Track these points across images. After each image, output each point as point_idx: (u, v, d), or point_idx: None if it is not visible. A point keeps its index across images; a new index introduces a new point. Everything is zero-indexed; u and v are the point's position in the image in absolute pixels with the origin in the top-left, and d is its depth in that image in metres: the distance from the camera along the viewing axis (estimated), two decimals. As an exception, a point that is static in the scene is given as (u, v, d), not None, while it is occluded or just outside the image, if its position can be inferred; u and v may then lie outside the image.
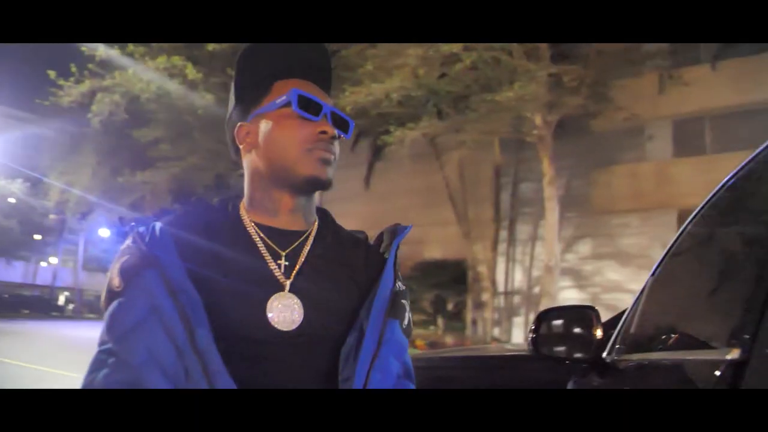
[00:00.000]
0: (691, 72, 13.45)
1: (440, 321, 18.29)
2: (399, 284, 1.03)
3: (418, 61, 10.90)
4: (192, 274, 0.89)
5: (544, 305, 13.00)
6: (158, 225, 0.94)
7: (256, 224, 1.00)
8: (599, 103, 12.81)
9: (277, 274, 0.96)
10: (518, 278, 17.77)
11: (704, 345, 1.43)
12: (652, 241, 15.45)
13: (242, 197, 1.06)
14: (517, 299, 17.68)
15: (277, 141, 0.98)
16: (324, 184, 0.99)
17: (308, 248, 1.01)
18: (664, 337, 1.81)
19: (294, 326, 0.93)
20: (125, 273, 0.89)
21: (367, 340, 0.94)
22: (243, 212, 1.02)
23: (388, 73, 11.27)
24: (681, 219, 15.26)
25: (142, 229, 0.93)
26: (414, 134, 12.99)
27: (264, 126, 0.99)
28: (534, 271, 17.45)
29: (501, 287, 17.64)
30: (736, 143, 14.31)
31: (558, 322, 2.15)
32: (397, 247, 1.06)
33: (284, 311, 0.93)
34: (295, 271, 0.97)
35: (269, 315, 0.93)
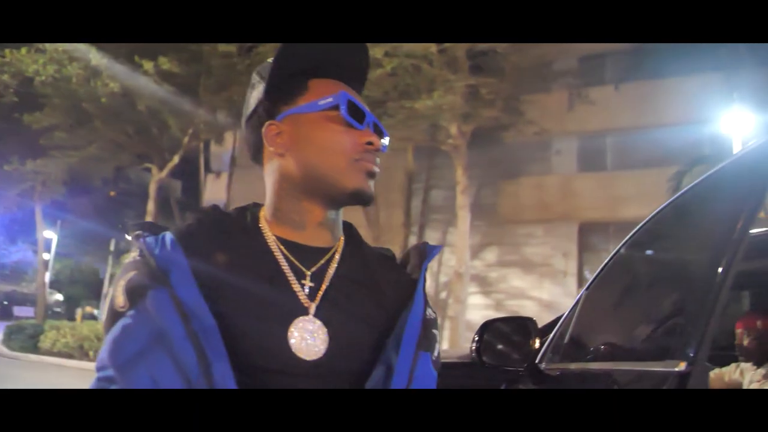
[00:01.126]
0: (596, 92, 14.37)
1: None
2: (429, 311, 0.95)
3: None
4: (206, 295, 0.80)
5: (453, 311, 13.42)
6: (169, 236, 0.85)
7: (279, 238, 0.90)
8: (512, 116, 13.40)
9: (300, 296, 0.87)
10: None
11: (646, 357, 1.60)
12: (554, 250, 16.32)
13: (261, 205, 0.96)
14: (424, 304, 18.08)
15: (321, 147, 0.89)
16: (369, 199, 0.91)
17: (334, 268, 0.92)
18: (601, 347, 1.99)
19: (317, 356, 0.84)
20: (131, 291, 0.80)
21: (396, 377, 0.85)
22: (264, 224, 0.92)
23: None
24: (582, 231, 16.26)
25: (150, 239, 0.84)
26: (330, 136, 13.01)
27: (303, 128, 0.90)
28: (441, 276, 17.96)
29: (409, 292, 17.99)
30: (634, 162, 15.44)
31: (499, 331, 2.29)
32: (426, 269, 0.98)
33: (308, 338, 0.85)
34: (320, 293, 0.88)
35: (291, 341, 0.84)
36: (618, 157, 16.26)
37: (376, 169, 0.92)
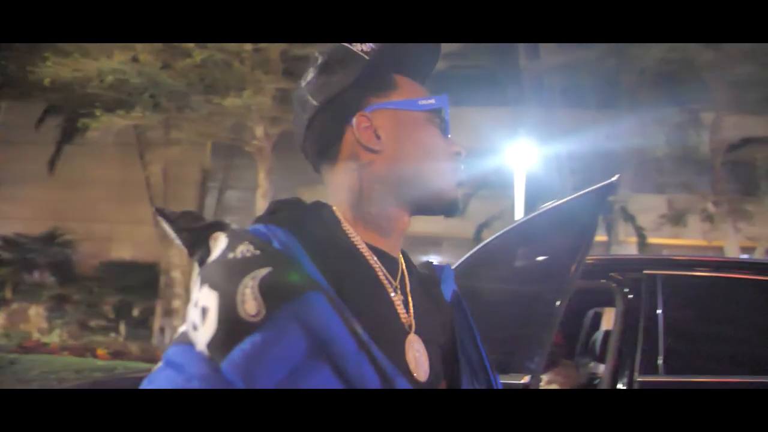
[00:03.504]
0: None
1: (123, 328, 17.29)
2: None
3: (143, 45, 10.38)
4: None
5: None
6: (279, 229, 0.73)
7: (366, 244, 0.82)
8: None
9: (399, 309, 0.80)
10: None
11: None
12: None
13: (327, 204, 0.86)
14: (211, 309, 17.71)
15: (428, 151, 0.84)
16: (458, 211, 0.87)
17: (408, 280, 0.84)
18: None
19: (426, 377, 0.78)
20: (270, 294, 0.63)
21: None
22: (348, 226, 0.82)
23: (104, 51, 10.48)
24: (375, 242, 17.17)
25: (260, 229, 0.72)
26: (123, 123, 12.26)
27: (404, 126, 0.83)
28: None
29: (196, 295, 17.48)
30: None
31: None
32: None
33: (419, 357, 0.78)
34: (411, 307, 0.82)
35: (409, 359, 0.77)
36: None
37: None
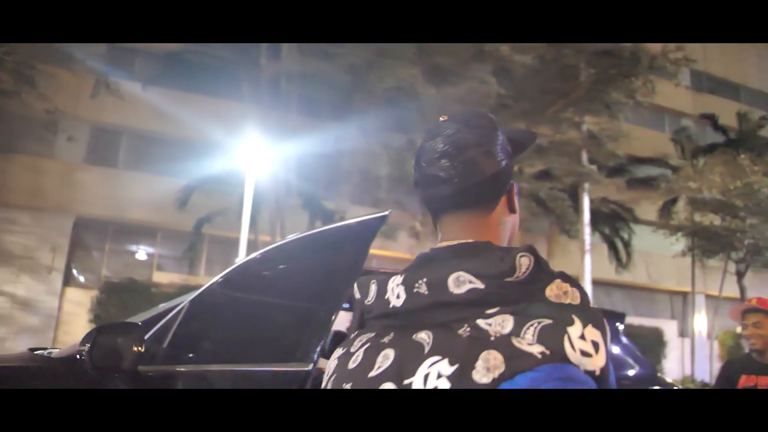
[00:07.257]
0: (125, 86, 14.59)
1: None
2: None
3: None
4: None
5: None
6: None
7: None
8: (21, 84, 12.45)
9: None
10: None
11: (270, 359, 2.24)
12: (41, 242, 15.48)
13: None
14: None
15: (517, 223, 1.06)
16: None
17: None
18: (213, 351, 2.55)
19: None
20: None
21: None
22: None
23: None
24: (77, 225, 15.96)
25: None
26: None
27: (515, 200, 1.05)
28: None
29: None
30: (147, 165, 16.17)
31: (110, 336, 2.56)
32: None
33: None
34: None
35: None
36: (131, 157, 16.71)
37: None
